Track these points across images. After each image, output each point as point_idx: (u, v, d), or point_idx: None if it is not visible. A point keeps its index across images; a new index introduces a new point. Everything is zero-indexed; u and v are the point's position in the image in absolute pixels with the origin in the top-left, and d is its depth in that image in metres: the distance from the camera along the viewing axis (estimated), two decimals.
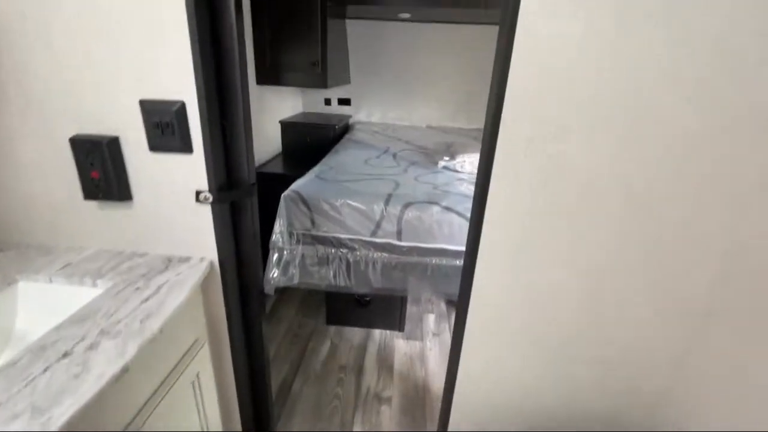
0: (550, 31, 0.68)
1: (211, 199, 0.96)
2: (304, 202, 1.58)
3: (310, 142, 3.04)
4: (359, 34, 2.92)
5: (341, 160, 2.21)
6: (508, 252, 0.88)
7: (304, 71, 2.47)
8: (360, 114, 3.62)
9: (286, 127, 3.03)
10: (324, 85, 2.49)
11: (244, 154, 1.00)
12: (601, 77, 0.71)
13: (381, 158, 2.34)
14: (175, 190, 0.97)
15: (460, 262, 1.55)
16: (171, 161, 0.95)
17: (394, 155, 2.42)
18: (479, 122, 3.62)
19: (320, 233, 1.60)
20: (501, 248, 0.87)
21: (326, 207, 1.57)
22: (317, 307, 2.39)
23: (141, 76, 0.88)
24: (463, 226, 1.54)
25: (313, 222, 1.59)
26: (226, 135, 0.97)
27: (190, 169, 0.95)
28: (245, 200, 1.05)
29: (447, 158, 2.12)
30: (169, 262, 0.99)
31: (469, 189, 1.81)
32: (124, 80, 0.88)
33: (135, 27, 0.84)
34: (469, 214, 1.50)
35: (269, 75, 2.50)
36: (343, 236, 1.59)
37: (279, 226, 1.60)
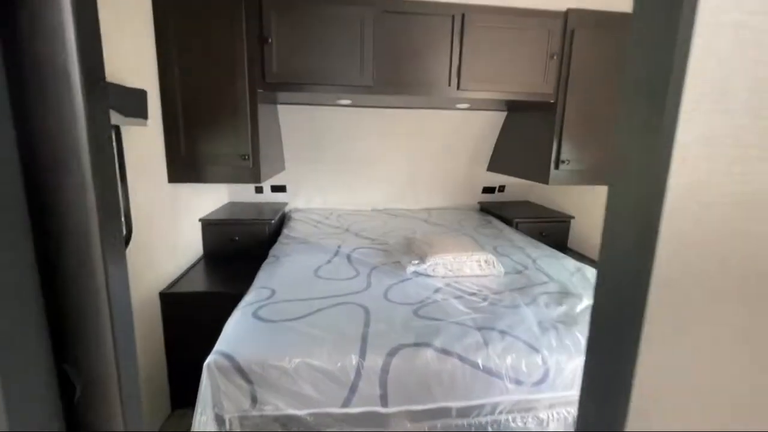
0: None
1: None
2: (240, 370, 1.06)
3: (240, 243, 2.51)
4: (293, 117, 2.63)
5: (283, 273, 1.73)
6: None
7: (230, 165, 2.04)
8: (298, 201, 3.21)
9: (208, 226, 2.49)
10: (257, 180, 2.07)
11: None
12: None
13: (334, 264, 1.91)
14: None
15: (469, 423, 1.13)
16: None
17: (349, 257, 2.01)
18: (427, 202, 3.44)
19: (267, 412, 1.07)
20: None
21: (274, 374, 1.07)
22: None
23: None
24: (467, 373, 1.14)
25: (254, 399, 1.06)
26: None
27: None
28: None
29: (416, 261, 1.77)
30: None
31: (458, 305, 1.45)
32: None
33: None
34: (473, 356, 1.15)
35: (185, 170, 2.02)
36: (302, 413, 1.08)
37: (201, 413, 1.04)
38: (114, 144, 1.55)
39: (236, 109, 1.97)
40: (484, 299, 1.51)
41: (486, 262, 1.80)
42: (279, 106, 2.59)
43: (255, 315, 1.31)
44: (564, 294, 1.57)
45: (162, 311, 1.93)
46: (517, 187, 3.35)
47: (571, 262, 2.00)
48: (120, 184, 1.59)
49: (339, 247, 2.15)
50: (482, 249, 1.91)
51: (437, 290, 1.60)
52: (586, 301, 1.50)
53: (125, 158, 1.60)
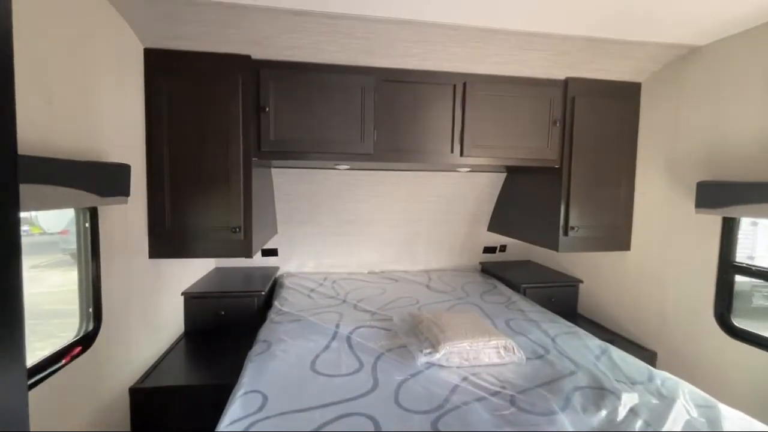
0: None
1: None
2: None
3: (227, 317, 2.28)
4: (287, 179, 2.52)
5: (276, 369, 1.50)
6: None
7: (219, 239, 1.87)
8: (290, 265, 3.01)
9: (192, 300, 2.26)
10: (247, 254, 1.89)
11: None
12: None
13: (333, 351, 1.69)
14: None
15: None
16: None
17: (349, 340, 1.80)
18: (424, 264, 3.28)
19: None
20: None
21: None
22: None
23: None
24: None
25: None
26: None
27: None
28: None
29: (428, 350, 1.57)
30: None
31: (482, 411, 1.24)
32: None
33: None
34: None
35: (169, 245, 1.83)
36: None
37: None
38: (87, 225, 1.38)
39: (228, 178, 1.84)
40: (511, 402, 1.31)
41: (505, 348, 1.61)
42: (273, 169, 2.48)
43: None
44: (598, 390, 1.38)
45: (131, 411, 1.65)
46: (517, 246, 3.24)
47: (593, 342, 1.83)
48: (92, 268, 1.39)
49: (337, 326, 1.94)
50: (498, 332, 1.73)
51: (455, 389, 1.39)
52: (626, 400, 1.31)
53: (100, 239, 1.42)
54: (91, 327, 1.39)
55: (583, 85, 2.14)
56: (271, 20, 1.60)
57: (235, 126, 1.82)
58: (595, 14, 1.54)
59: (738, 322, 1.74)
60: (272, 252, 2.92)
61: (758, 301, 2.29)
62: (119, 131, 1.56)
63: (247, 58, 1.83)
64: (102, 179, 1.30)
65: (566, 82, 2.13)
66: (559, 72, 2.08)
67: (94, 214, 1.40)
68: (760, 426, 1.20)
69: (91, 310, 1.38)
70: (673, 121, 2.01)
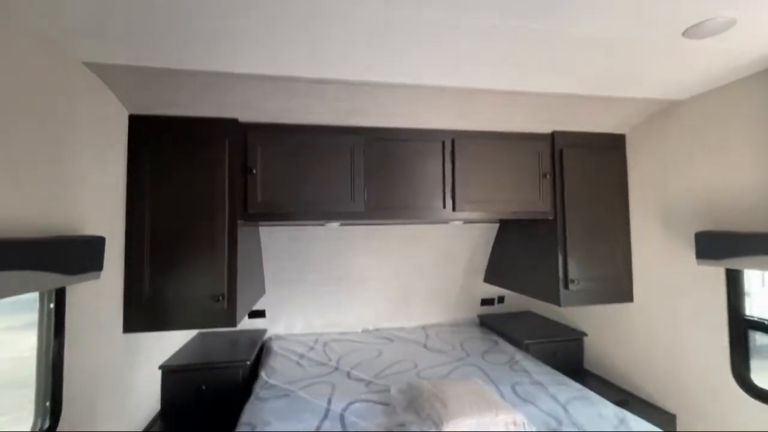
0: None
1: None
2: None
3: (208, 392, 2.08)
4: (275, 237, 2.44)
5: None
6: None
7: (201, 308, 1.74)
8: (278, 326, 2.84)
9: (170, 374, 2.07)
10: (231, 323, 1.75)
11: None
12: None
13: None
14: None
15: None
16: None
17: (342, 419, 1.63)
18: (420, 319, 3.12)
19: None
20: None
21: None
22: None
23: None
24: None
25: None
26: None
27: None
28: None
29: (431, 430, 1.42)
30: None
31: None
32: None
33: None
34: None
35: (146, 317, 1.69)
36: None
37: None
38: (52, 306, 1.25)
39: (213, 244, 1.75)
40: None
41: (515, 424, 1.46)
42: (261, 227, 2.40)
43: None
44: None
45: None
46: (516, 296, 3.13)
47: (608, 409, 1.68)
48: (53, 352, 1.25)
49: (329, 401, 1.76)
50: (505, 405, 1.58)
51: None
52: None
53: (66, 318, 1.29)
54: (47, 425, 1.22)
55: (569, 137, 2.16)
56: (260, 84, 1.60)
57: (220, 190, 1.76)
58: (575, 74, 1.57)
59: (760, 377, 1.63)
60: (260, 313, 2.77)
61: (762, 341, 2.10)
62: (98, 203, 1.48)
63: (234, 121, 1.81)
64: (71, 256, 1.20)
65: (553, 136, 2.16)
66: (544, 126, 2.11)
67: (61, 292, 1.28)
68: None
69: (48, 404, 1.22)
70: (661, 172, 2.01)
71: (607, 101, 1.88)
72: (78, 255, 1.24)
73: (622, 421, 1.58)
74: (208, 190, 1.76)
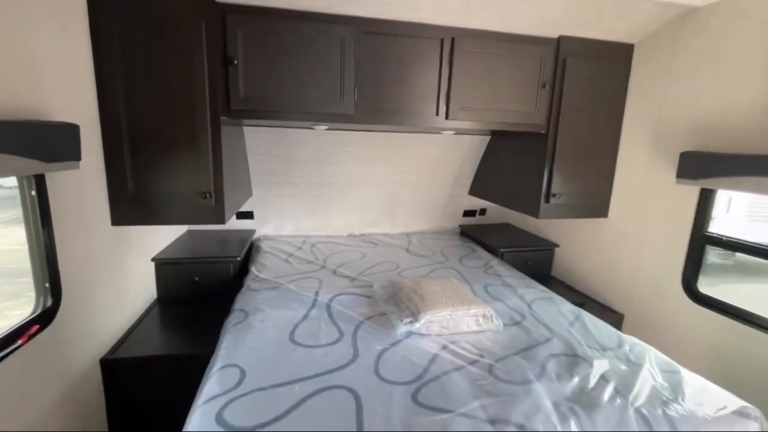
0: None
1: None
2: None
3: (201, 284, 2.21)
4: (261, 138, 2.36)
5: (254, 341, 1.46)
6: None
7: (188, 204, 1.75)
8: (266, 227, 2.91)
9: (163, 266, 2.16)
10: (220, 220, 1.79)
11: None
12: None
13: (312, 320, 1.67)
14: None
15: None
16: None
17: (329, 308, 1.78)
18: (404, 226, 3.24)
19: None
20: None
21: None
22: None
23: None
24: None
25: None
26: None
27: None
28: None
29: (408, 319, 1.58)
30: None
31: (461, 380, 1.27)
32: None
33: None
34: None
35: (133, 211, 1.70)
36: None
37: None
38: (33, 193, 1.23)
39: (195, 140, 1.68)
40: (489, 371, 1.34)
41: (484, 317, 1.63)
42: (245, 127, 2.30)
43: (220, 419, 1.06)
44: (572, 357, 1.44)
45: (104, 384, 1.61)
46: (497, 209, 3.24)
47: (566, 307, 1.88)
48: (44, 239, 1.27)
49: (316, 293, 1.91)
50: (477, 300, 1.75)
51: (434, 358, 1.41)
52: (597, 367, 1.36)
53: (50, 207, 1.28)
54: (49, 303, 1.29)
55: (575, 44, 2.02)
56: None
57: (200, 81, 1.63)
58: None
59: (704, 289, 1.82)
60: (248, 215, 2.81)
61: (712, 259, 2.21)
62: (64, 86, 1.36)
63: (211, 1, 1.60)
64: (44, 142, 1.14)
65: (559, 41, 2.01)
66: (551, 29, 1.96)
67: (41, 180, 1.25)
68: (718, 390, 1.28)
69: (47, 284, 1.28)
70: (662, 88, 1.95)
71: (621, 3, 1.72)
72: (52, 142, 1.18)
73: (577, 317, 1.78)
74: (186, 80, 1.62)
